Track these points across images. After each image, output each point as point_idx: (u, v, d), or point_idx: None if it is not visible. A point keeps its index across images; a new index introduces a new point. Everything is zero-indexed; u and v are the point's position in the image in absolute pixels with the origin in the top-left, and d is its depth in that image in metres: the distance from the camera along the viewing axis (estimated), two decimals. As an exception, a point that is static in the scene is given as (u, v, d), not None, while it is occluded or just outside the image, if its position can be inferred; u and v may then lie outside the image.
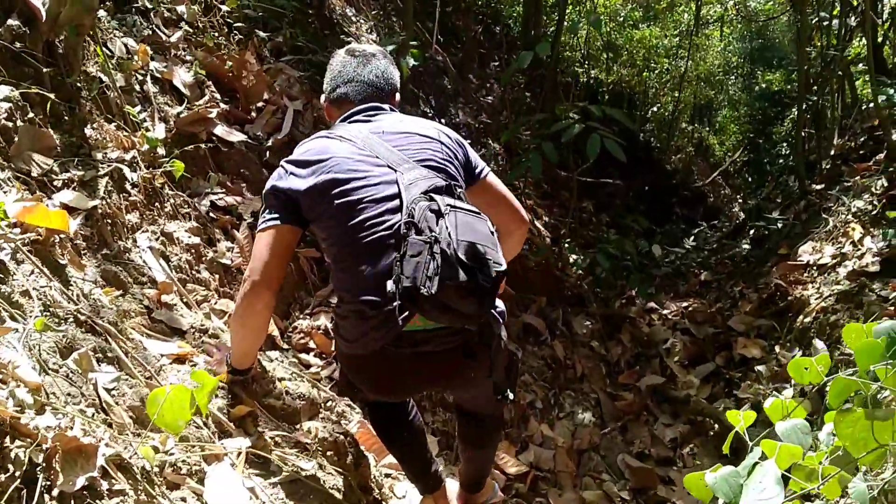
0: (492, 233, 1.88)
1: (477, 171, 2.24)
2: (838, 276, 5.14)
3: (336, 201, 1.96)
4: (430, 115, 7.37)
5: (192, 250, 2.99)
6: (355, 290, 1.97)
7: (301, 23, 5.61)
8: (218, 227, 3.29)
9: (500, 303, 2.14)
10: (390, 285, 1.84)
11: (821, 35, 10.16)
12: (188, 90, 3.60)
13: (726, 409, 4.79)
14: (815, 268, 5.50)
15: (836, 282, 5.10)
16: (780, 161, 19.93)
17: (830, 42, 8.57)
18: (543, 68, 8.87)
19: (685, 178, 17.16)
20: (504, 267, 1.82)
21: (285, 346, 3.17)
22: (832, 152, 8.35)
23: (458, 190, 2.01)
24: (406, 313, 1.87)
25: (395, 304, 1.84)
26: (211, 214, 3.29)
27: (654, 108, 19.01)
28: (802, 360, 1.91)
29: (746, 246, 8.98)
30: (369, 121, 2.14)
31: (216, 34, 4.21)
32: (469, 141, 6.63)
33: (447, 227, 1.78)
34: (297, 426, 2.43)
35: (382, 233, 1.94)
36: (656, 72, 18.40)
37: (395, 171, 1.98)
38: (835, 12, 8.91)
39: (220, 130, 3.47)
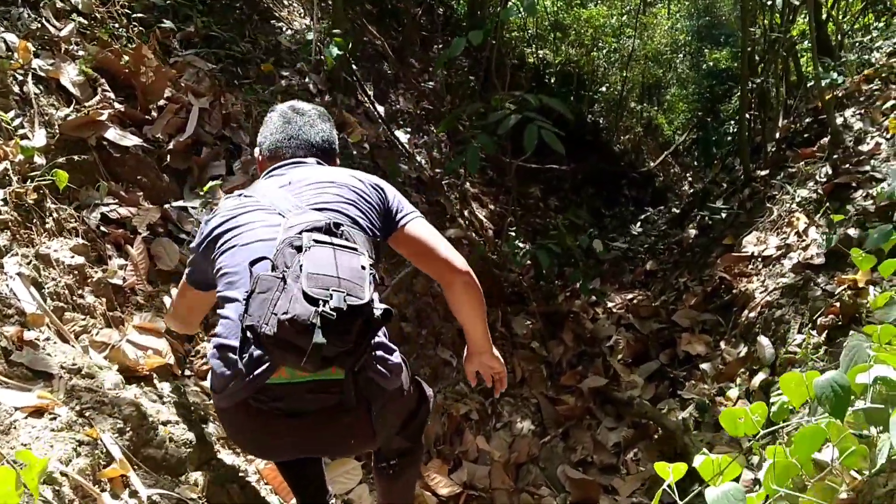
0: (362, 267, 1.71)
1: (398, 217, 2.14)
2: (783, 268, 4.99)
3: (219, 249, 1.96)
4: (366, 102, 7.06)
5: (75, 272, 2.68)
6: (220, 334, 1.85)
7: (219, 10, 5.27)
8: (109, 243, 2.97)
9: (395, 354, 1.95)
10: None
11: (764, 14, 10.08)
12: (78, 90, 3.26)
13: (670, 410, 4.63)
14: (759, 259, 5.35)
15: (780, 274, 4.95)
16: (728, 139, 20.01)
17: (774, 21, 8.46)
18: (487, 50, 8.62)
19: (634, 160, 17.07)
20: (363, 301, 1.61)
21: (188, 373, 2.88)
22: (777, 135, 8.24)
23: (344, 228, 1.85)
24: (254, 358, 1.70)
25: (246, 351, 1.70)
26: (101, 228, 2.97)
27: (603, 89, 18.90)
28: (736, 410, 1.74)
29: (693, 231, 8.88)
30: (282, 174, 2.11)
31: (116, 25, 3.86)
32: (409, 126, 6.33)
33: (300, 262, 1.64)
34: (182, 477, 2.15)
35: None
36: (604, 51, 18.29)
37: (283, 216, 1.90)
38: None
39: (112, 134, 3.15)
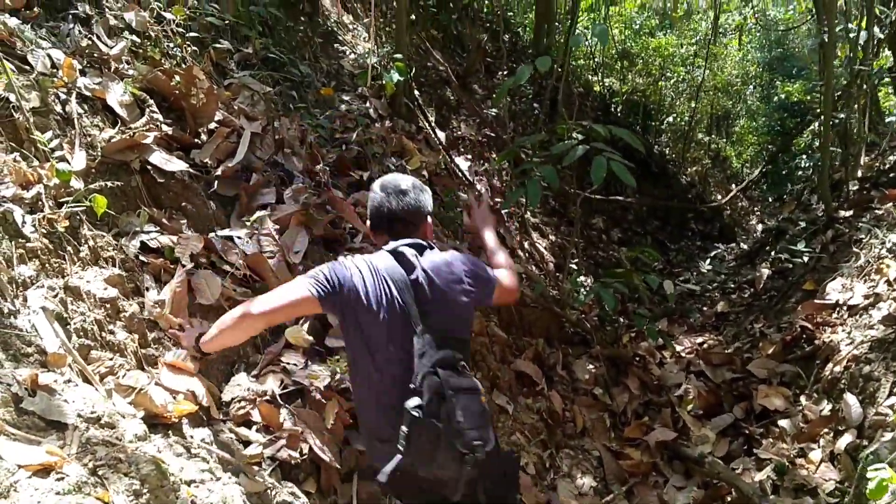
0: (484, 410, 2.31)
1: (489, 290, 2.59)
2: (871, 319, 4.58)
3: (361, 328, 2.34)
4: (427, 128, 6.85)
5: (107, 305, 2.49)
6: (368, 422, 2.45)
7: (280, 32, 5.13)
8: (149, 273, 2.79)
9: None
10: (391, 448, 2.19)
11: (845, 47, 9.62)
12: (124, 110, 3.10)
13: (745, 470, 4.26)
14: (844, 308, 4.94)
15: (868, 326, 4.55)
16: (800, 173, 19.34)
17: (857, 55, 8.01)
18: (553, 78, 8.37)
19: (701, 192, 16.56)
20: (491, 447, 2.26)
21: (222, 418, 2.66)
22: (859, 173, 7.80)
23: (461, 361, 2.33)
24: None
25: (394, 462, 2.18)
26: (140, 258, 2.79)
27: (670, 119, 18.51)
28: None
29: (766, 271, 8.42)
30: (408, 253, 2.41)
31: (170, 45, 3.72)
32: (470, 154, 6.12)
33: (449, 415, 2.16)
34: (204, 549, 1.92)
35: (388, 385, 2.30)
36: (672, 81, 17.91)
37: (414, 329, 2.29)
38: (861, 23, 8.36)
39: (157, 157, 2.97)
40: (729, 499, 4.10)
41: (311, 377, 2.84)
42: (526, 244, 6.73)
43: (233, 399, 2.71)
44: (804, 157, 20.28)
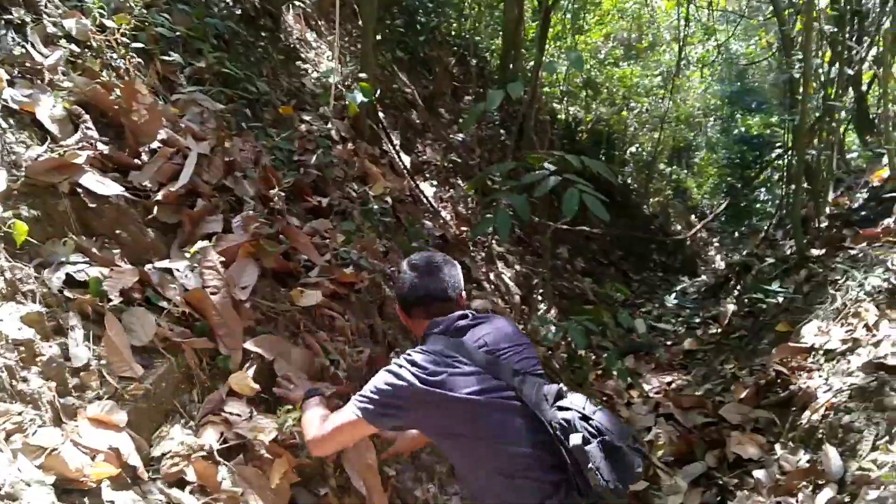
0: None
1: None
2: (850, 365, 4.40)
3: (465, 414, 2.20)
4: (391, 152, 6.60)
5: (20, 347, 2.16)
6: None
7: (237, 46, 4.84)
8: (74, 310, 2.46)
9: None
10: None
11: (812, 83, 9.62)
12: (56, 126, 2.78)
13: (720, 525, 4.02)
14: (821, 353, 4.75)
15: (847, 372, 4.36)
16: (758, 206, 19.44)
17: (828, 91, 7.97)
18: (523, 105, 8.18)
19: (664, 223, 16.53)
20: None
21: (151, 477, 2.34)
22: (827, 210, 7.70)
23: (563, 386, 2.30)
24: None
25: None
26: (65, 293, 2.46)
27: (633, 149, 18.53)
28: None
29: (731, 307, 8.28)
30: (461, 329, 2.35)
31: (113, 56, 3.41)
32: (436, 179, 5.80)
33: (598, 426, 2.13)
34: None
35: (525, 449, 2.18)
36: (636, 111, 17.95)
37: (513, 389, 2.22)
38: (826, 58, 8.34)
39: (90, 179, 2.66)
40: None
41: (257, 430, 2.53)
42: (492, 275, 6.49)
43: (164, 455, 2.39)
44: (763, 190, 20.47)
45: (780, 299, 5.67)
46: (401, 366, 2.23)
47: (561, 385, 2.30)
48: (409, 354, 2.28)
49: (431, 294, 2.40)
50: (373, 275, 3.48)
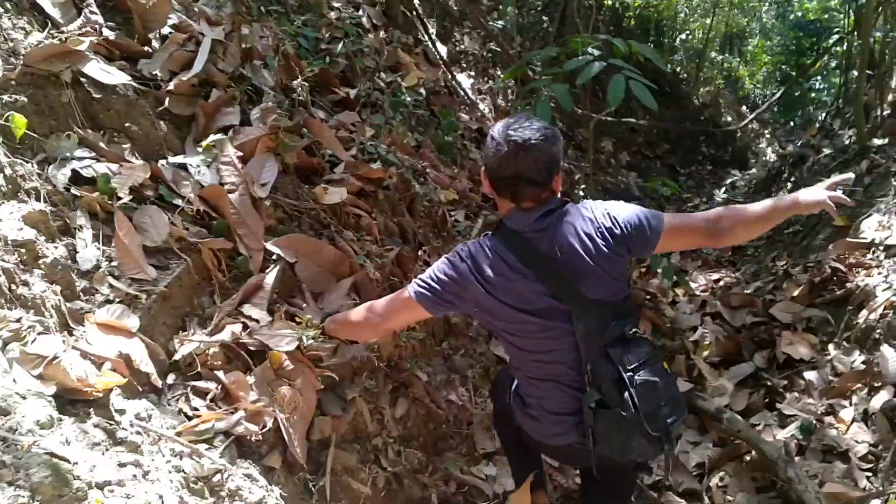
0: (669, 378, 2.18)
1: (653, 237, 2.20)
2: (912, 262, 4.14)
3: (512, 324, 2.18)
4: (426, 41, 6.27)
5: (21, 249, 2.03)
6: (554, 403, 2.25)
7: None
8: (82, 209, 2.32)
9: None
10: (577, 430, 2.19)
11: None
12: (57, 10, 2.58)
13: (766, 426, 3.87)
14: (881, 248, 4.47)
15: (910, 270, 4.10)
16: (813, 96, 18.57)
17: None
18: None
19: (714, 115, 15.90)
20: (682, 417, 2.18)
21: (170, 383, 2.24)
22: (889, 97, 7.20)
23: (628, 326, 2.15)
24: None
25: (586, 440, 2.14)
26: (72, 191, 2.31)
27: (683, 36, 17.73)
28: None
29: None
30: (538, 234, 2.16)
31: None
32: (473, 70, 5.49)
33: (634, 401, 2.03)
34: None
35: (561, 369, 2.19)
36: (686, -4, 17.11)
37: (568, 312, 2.12)
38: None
39: (94, 68, 2.46)
40: (748, 458, 3.73)
41: (278, 337, 2.40)
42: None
43: (184, 359, 2.28)
44: (819, 78, 19.53)
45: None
46: (462, 258, 2.19)
47: (628, 328, 2.15)
48: (475, 245, 2.22)
49: (521, 176, 2.13)
50: (402, 171, 3.27)
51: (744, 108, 22.14)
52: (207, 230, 2.55)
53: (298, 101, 3.27)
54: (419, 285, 2.23)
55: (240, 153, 2.69)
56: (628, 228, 2.17)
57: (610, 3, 13.80)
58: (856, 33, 9.61)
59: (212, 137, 2.60)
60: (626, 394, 2.04)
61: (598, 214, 2.19)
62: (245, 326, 2.42)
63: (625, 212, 2.21)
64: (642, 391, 2.04)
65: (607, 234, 2.15)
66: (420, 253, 3.24)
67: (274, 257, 2.64)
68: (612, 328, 2.12)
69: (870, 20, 6.05)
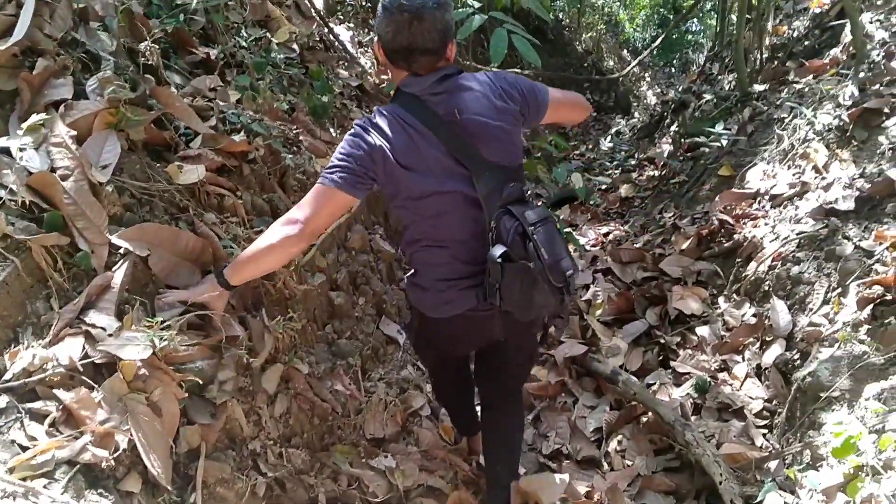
0: (559, 232, 2.25)
1: (543, 104, 2.39)
2: (798, 212, 4.13)
3: (419, 197, 2.21)
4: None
5: None
6: (446, 270, 2.33)
7: None
8: None
9: None
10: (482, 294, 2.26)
11: None
12: None
13: (662, 385, 3.83)
14: (767, 198, 4.47)
15: (795, 220, 4.09)
16: (689, 37, 18.92)
17: None
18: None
19: (597, 61, 15.96)
20: (577, 271, 2.31)
21: (2, 406, 1.92)
22: (767, 41, 7.27)
23: (525, 189, 2.25)
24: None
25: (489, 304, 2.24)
26: None
27: (563, -20, 17.68)
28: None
29: (666, 147, 7.97)
30: (437, 97, 2.21)
31: None
32: (353, 22, 5.21)
33: (538, 252, 2.11)
34: None
35: (468, 234, 2.25)
36: (562, -64, 17.01)
37: (469, 172, 2.20)
38: None
39: None
40: (645, 420, 3.68)
41: (127, 346, 2.09)
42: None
43: (15, 377, 1.96)
44: (696, 21, 19.95)
45: (724, 142, 5.31)
46: (365, 129, 2.20)
47: (527, 190, 2.28)
48: (375, 114, 2.24)
49: (416, 46, 2.15)
50: (269, 141, 2.96)
51: (625, 52, 22.42)
52: (38, 224, 2.19)
53: (148, 66, 2.91)
54: (332, 171, 2.18)
55: (74, 132, 2.33)
56: (524, 93, 2.33)
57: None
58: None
59: (38, 116, 2.24)
60: (532, 245, 2.10)
61: (495, 79, 2.32)
62: (89, 335, 2.11)
63: (520, 79, 2.38)
64: (546, 244, 2.12)
65: (505, 97, 2.28)
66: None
67: (121, 251, 2.31)
68: (511, 189, 2.20)
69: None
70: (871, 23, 5.16)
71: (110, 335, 2.13)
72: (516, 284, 2.14)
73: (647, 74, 20.20)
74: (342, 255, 3.21)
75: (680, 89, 9.97)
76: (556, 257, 2.14)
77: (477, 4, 4.16)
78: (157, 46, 3.06)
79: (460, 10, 4.07)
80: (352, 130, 2.22)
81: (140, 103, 2.57)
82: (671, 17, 23.68)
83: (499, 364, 2.78)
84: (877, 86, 4.32)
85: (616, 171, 8.51)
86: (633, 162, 8.61)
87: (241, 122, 2.94)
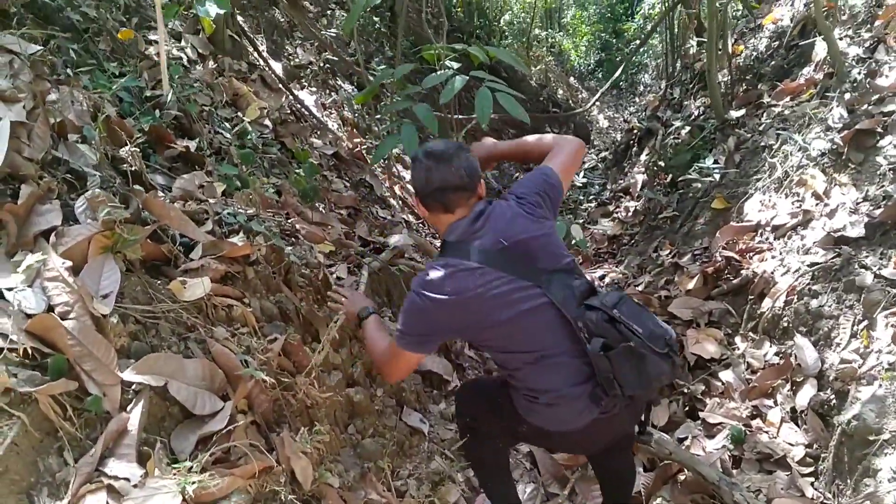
0: (645, 307, 2.45)
1: (556, 182, 2.55)
2: (805, 242, 4.04)
3: (504, 324, 2.28)
4: (259, 62, 5.74)
5: None
6: (559, 384, 2.33)
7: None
8: None
9: None
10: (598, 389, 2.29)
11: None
12: None
13: (694, 439, 3.68)
14: (769, 229, 4.38)
15: (803, 250, 4.00)
16: (634, 59, 19.16)
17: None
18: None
19: (551, 93, 16.04)
20: (671, 332, 2.35)
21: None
22: (728, 62, 7.28)
23: (588, 281, 2.42)
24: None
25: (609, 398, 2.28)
26: None
27: (507, 17, 17.86)
28: None
29: (640, 176, 7.91)
30: (478, 233, 2.35)
31: None
32: (314, 85, 5.18)
33: (628, 328, 2.20)
34: None
35: (563, 340, 2.29)
36: (503, -26, 17.22)
37: (541, 287, 2.30)
38: None
39: None
40: (682, 477, 3.51)
41: (156, 496, 1.89)
42: (397, 188, 5.83)
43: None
44: (636, 42, 20.25)
45: (718, 176, 5.22)
46: (419, 294, 2.31)
47: (592, 281, 2.45)
48: (425, 274, 2.34)
49: (448, 184, 2.36)
50: (271, 241, 2.78)
51: (571, 79, 22.67)
52: (42, 371, 1.99)
53: (133, 172, 2.72)
54: (399, 336, 2.39)
55: (69, 262, 2.14)
56: (543, 192, 2.48)
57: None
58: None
59: (32, 257, 2.04)
60: (622, 326, 2.20)
61: (514, 198, 2.46)
62: (112, 489, 1.90)
63: (527, 181, 2.54)
64: (633, 318, 2.22)
65: (533, 206, 2.42)
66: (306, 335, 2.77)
67: (134, 387, 2.11)
68: (578, 286, 2.34)
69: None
70: (840, 39, 5.15)
71: (135, 485, 1.92)
72: (627, 366, 2.19)
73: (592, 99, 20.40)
74: (355, 347, 3.03)
75: (643, 116, 9.98)
76: (649, 327, 2.23)
77: (455, 65, 4.04)
78: (138, 149, 2.88)
79: (439, 73, 3.95)
80: (410, 296, 2.34)
81: (134, 220, 2.39)
82: (613, 40, 24.10)
83: (619, 462, 2.95)
84: (865, 105, 4.27)
85: (591, 206, 8.44)
86: (607, 194, 8.54)
87: (239, 221, 2.76)
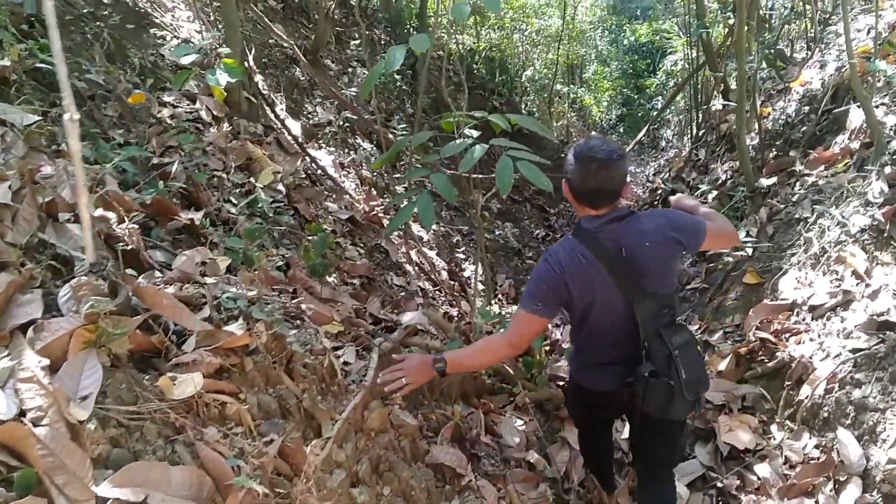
0: (701, 361, 2.75)
1: (701, 237, 2.71)
2: (846, 324, 3.79)
3: (586, 309, 2.70)
4: (276, 125, 5.62)
5: None
6: (601, 356, 2.86)
7: (64, 25, 3.77)
8: None
9: None
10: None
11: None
12: None
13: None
14: (805, 309, 4.13)
15: (844, 334, 3.75)
16: (654, 114, 19.09)
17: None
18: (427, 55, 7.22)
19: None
20: (707, 386, 2.79)
21: None
22: (758, 127, 7.08)
23: (676, 315, 2.75)
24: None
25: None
26: None
27: (529, 72, 17.86)
28: None
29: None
30: (607, 232, 2.61)
31: None
32: (332, 144, 5.10)
33: (678, 369, 2.58)
34: None
35: (624, 338, 2.72)
36: (526, 32, 17.24)
37: (632, 303, 2.62)
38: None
39: None
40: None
41: None
42: (413, 254, 5.64)
43: None
44: (660, 98, 20.17)
45: (750, 251, 4.99)
46: (552, 266, 2.63)
47: (680, 320, 2.90)
48: (560, 249, 2.67)
49: (602, 189, 2.57)
50: (272, 329, 2.58)
51: (593, 133, 22.58)
52: (6, 486, 1.78)
53: (128, 252, 2.55)
54: (529, 302, 2.66)
55: (46, 360, 1.94)
56: (688, 232, 2.65)
57: (454, 47, 13.54)
58: (707, 67, 9.65)
59: (3, 363, 1.85)
60: (674, 366, 2.58)
61: (665, 221, 2.64)
62: None
63: (685, 217, 2.71)
64: (685, 365, 2.58)
65: (669, 236, 2.59)
66: (309, 431, 2.55)
67: (110, 503, 1.89)
68: (664, 314, 2.65)
69: (742, 44, 5.74)
70: (876, 107, 4.94)
71: None
72: (658, 395, 2.61)
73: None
74: (361, 441, 2.81)
75: (667, 176, 9.78)
76: (693, 377, 2.60)
77: (475, 134, 3.87)
78: (137, 226, 2.71)
79: (458, 141, 3.78)
80: (542, 264, 2.68)
81: (123, 310, 2.20)
82: (634, 96, 24.09)
83: (645, 441, 3.06)
84: (906, 178, 4.05)
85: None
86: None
87: (239, 307, 2.57)
